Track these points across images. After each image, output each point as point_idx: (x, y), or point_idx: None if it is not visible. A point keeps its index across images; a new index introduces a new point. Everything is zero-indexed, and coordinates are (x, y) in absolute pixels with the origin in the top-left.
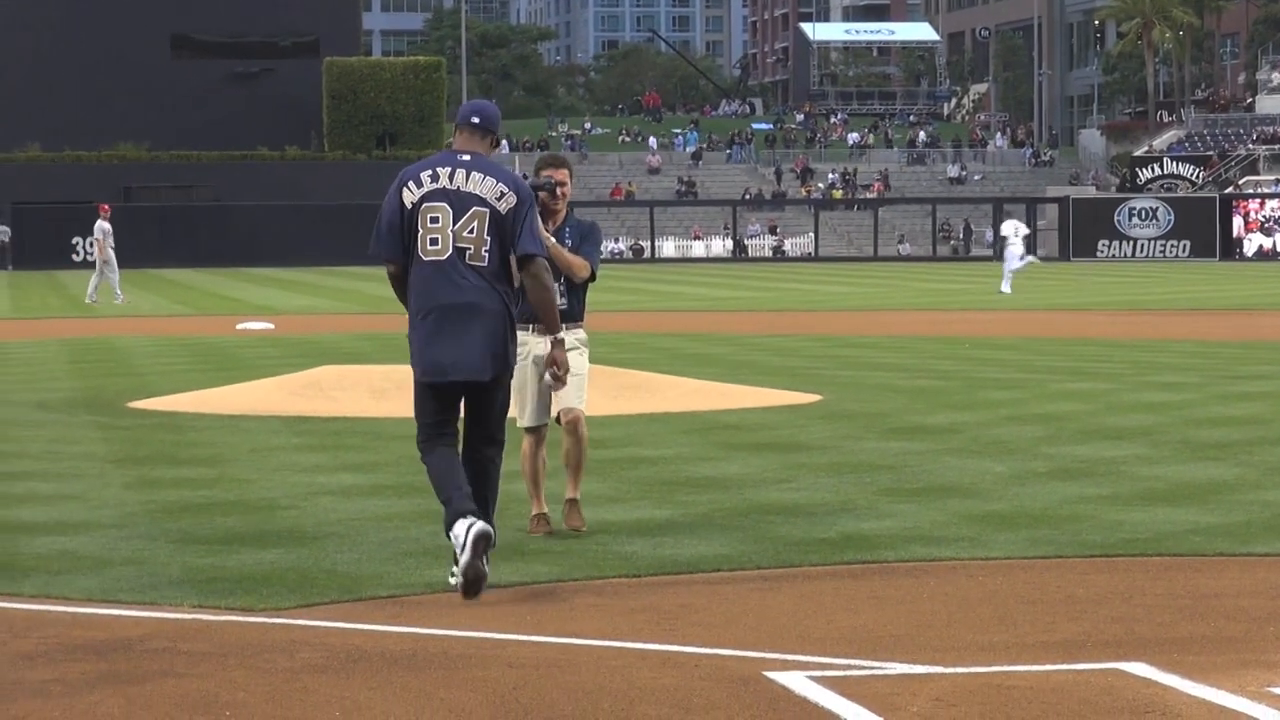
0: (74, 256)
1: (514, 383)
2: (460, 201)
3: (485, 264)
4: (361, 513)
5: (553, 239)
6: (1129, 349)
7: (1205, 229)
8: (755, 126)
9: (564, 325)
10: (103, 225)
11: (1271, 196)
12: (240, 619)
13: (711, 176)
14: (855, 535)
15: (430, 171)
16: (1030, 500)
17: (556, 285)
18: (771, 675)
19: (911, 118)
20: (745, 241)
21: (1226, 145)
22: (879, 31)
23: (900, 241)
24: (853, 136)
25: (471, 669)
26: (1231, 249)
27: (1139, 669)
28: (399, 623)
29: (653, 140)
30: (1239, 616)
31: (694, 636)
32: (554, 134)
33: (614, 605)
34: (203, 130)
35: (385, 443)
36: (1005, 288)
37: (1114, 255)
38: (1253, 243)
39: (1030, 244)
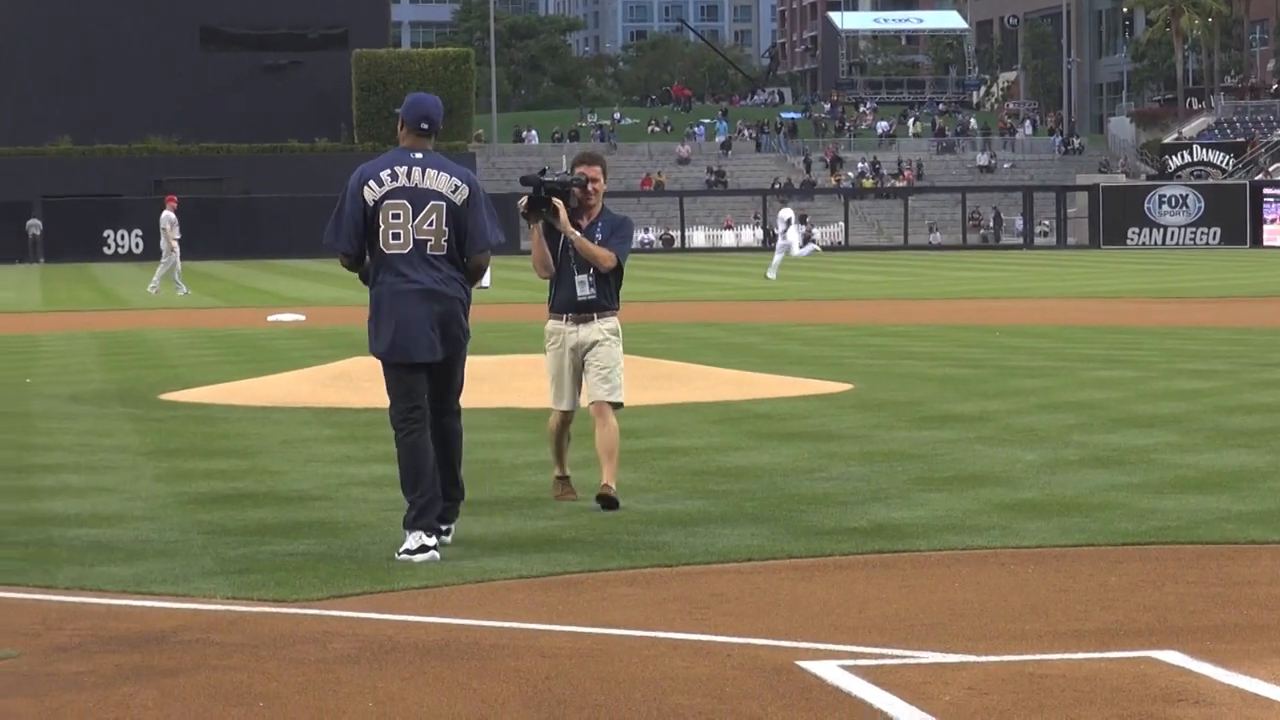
0: (105, 249)
1: (550, 369)
2: (418, 197)
3: (444, 253)
4: (393, 503)
5: (576, 233)
6: (1160, 336)
7: (1236, 216)
8: (784, 115)
9: (594, 315)
10: (169, 215)
11: None
12: (272, 610)
13: (741, 166)
14: (887, 524)
15: (389, 170)
16: (1061, 488)
17: (586, 277)
18: (804, 664)
19: (940, 106)
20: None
21: (1256, 132)
22: (907, 20)
23: (931, 230)
24: (882, 125)
25: (504, 659)
26: (1262, 236)
27: (1171, 657)
28: (431, 613)
29: (699, 128)
30: (1272, 604)
31: (726, 626)
32: (584, 124)
33: (646, 595)
34: (233, 123)
35: None
36: (771, 274)
37: (1144, 243)
38: None
39: (807, 234)
